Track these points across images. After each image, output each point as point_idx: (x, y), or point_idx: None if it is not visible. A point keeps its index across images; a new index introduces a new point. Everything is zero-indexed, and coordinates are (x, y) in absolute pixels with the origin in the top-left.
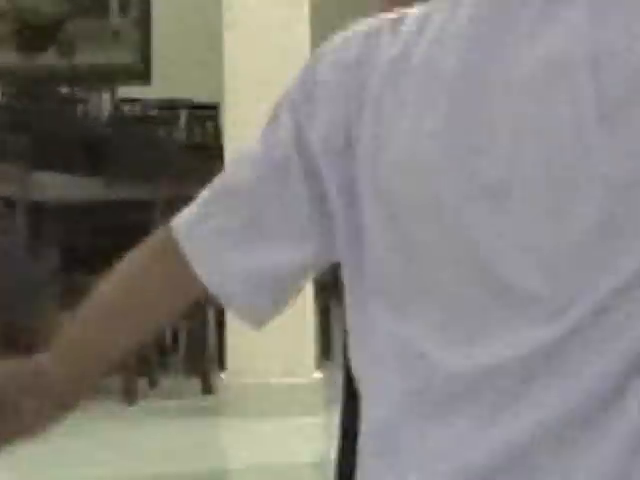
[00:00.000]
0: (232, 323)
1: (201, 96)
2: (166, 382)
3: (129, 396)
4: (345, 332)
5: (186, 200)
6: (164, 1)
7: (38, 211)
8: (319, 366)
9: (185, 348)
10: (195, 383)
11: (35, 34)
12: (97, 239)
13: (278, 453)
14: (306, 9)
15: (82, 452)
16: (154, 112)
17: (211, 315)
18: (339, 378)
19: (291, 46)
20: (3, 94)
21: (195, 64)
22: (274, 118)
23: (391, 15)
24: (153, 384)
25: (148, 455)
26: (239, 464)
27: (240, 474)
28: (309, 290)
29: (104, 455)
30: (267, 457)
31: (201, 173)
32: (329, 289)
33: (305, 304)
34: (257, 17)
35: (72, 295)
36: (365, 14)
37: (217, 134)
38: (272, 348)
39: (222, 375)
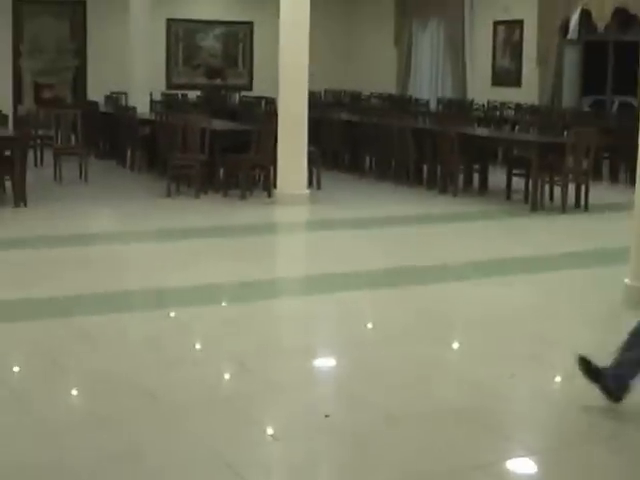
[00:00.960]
0: (280, 167)
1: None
2: (254, 193)
3: (243, 197)
4: None
5: (266, 131)
6: (260, 51)
7: (213, 135)
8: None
9: (262, 180)
10: (265, 193)
11: (212, 72)
12: (235, 145)
13: (298, 216)
14: None
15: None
16: (252, 100)
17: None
18: (318, 193)
19: None
20: (202, 93)
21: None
22: None
23: None
24: (244, 196)
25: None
26: (281, 219)
27: (280, 225)
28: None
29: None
30: (295, 217)
31: (270, 120)
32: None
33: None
34: None
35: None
36: None
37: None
38: (295, 177)
39: (275, 190)
